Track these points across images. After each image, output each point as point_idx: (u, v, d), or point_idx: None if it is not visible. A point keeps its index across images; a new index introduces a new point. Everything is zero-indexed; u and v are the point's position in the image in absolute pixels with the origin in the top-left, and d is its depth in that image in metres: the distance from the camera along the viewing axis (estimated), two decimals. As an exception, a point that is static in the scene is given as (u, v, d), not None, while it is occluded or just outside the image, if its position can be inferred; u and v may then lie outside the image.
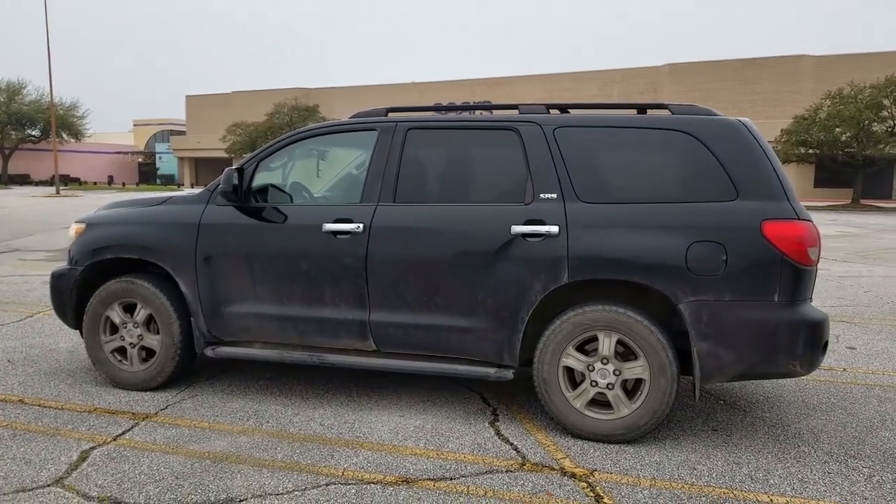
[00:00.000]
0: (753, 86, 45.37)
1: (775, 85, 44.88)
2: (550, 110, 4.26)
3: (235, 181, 4.27)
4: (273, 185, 4.56)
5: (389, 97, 50.71)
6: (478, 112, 4.53)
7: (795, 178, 42.15)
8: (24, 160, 62.73)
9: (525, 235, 3.86)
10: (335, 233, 4.14)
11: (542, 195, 3.92)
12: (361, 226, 4.10)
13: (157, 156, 75.56)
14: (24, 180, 61.57)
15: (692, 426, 4.10)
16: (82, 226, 4.78)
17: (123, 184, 67.05)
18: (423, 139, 4.26)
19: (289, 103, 49.42)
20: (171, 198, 4.72)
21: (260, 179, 4.48)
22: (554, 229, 3.82)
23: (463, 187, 4.23)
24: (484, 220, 3.97)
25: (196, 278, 4.39)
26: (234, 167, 4.31)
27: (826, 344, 3.70)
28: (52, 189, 44.00)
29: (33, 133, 58.96)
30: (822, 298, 8.52)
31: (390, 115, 4.43)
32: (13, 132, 57.50)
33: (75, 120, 58.83)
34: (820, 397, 4.66)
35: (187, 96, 66.93)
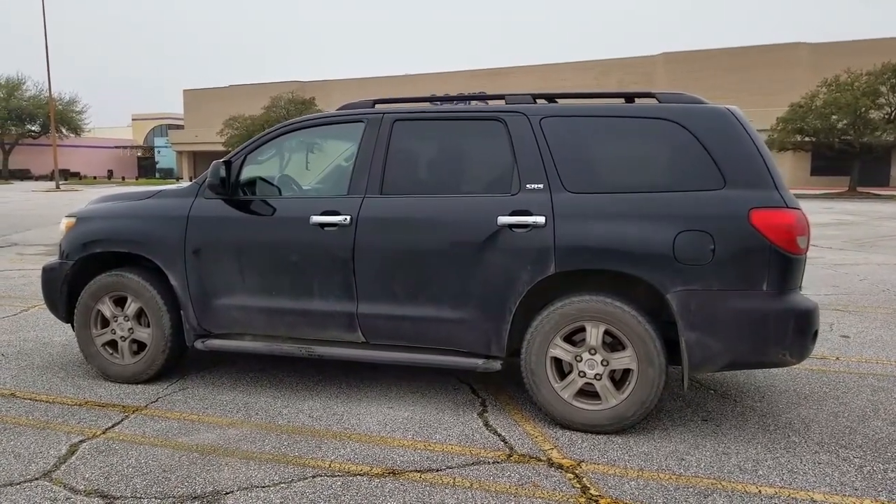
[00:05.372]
0: (749, 74, 45.19)
1: (771, 73, 44.70)
2: (538, 100, 4.24)
3: (223, 174, 4.26)
4: (261, 178, 4.56)
5: (385, 89, 50.45)
6: (473, 102, 4.49)
7: (792, 166, 42.08)
8: (25, 155, 62.68)
9: (511, 226, 3.85)
10: (322, 225, 4.13)
11: (528, 185, 3.90)
12: (348, 218, 4.09)
13: (156, 150, 75.44)
14: (24, 175, 61.57)
15: (682, 416, 4.10)
16: (73, 220, 4.78)
17: (123, 178, 67.07)
18: (410, 130, 4.25)
19: (285, 96, 49.30)
20: (160, 191, 4.71)
21: (248, 172, 4.47)
22: (540, 220, 3.80)
23: (450, 178, 4.22)
24: (470, 212, 3.96)
25: (185, 271, 4.38)
26: (221, 160, 4.29)
27: (816, 333, 3.69)
28: (52, 184, 44.00)
29: (33, 128, 58.99)
30: (817, 287, 8.51)
31: (377, 106, 4.41)
32: (13, 127, 57.53)
33: (74, 115, 58.83)
34: (812, 387, 4.66)
35: (185, 90, 66.78)
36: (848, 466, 3.42)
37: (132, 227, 4.54)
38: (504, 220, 3.86)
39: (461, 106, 4.40)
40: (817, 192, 36.25)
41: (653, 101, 4.04)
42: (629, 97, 4.35)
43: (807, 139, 35.07)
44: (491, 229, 3.87)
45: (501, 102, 4.22)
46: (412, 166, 4.32)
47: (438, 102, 4.46)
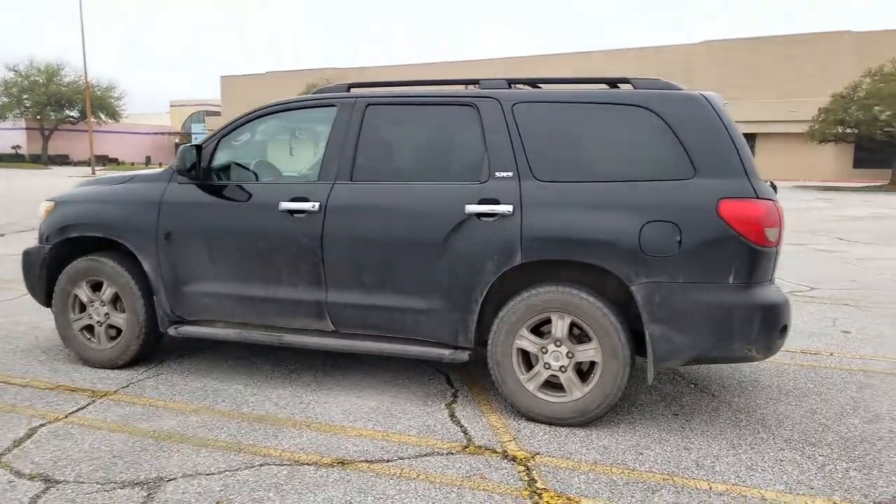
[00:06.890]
0: (793, 63, 43.66)
1: (816, 62, 43.16)
2: (515, 85, 4.13)
3: (193, 159, 4.24)
4: (236, 163, 4.52)
5: (425, 76, 50.23)
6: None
7: (834, 158, 40.92)
8: (64, 141, 64.03)
9: (479, 215, 3.76)
10: (291, 212, 4.09)
11: (497, 173, 3.81)
12: (317, 205, 4.04)
13: (193, 136, 76.51)
14: (63, 160, 62.89)
15: (653, 410, 3.98)
16: (52, 204, 4.81)
17: (160, 164, 68.15)
18: (382, 115, 4.17)
19: (321, 83, 49.55)
20: (135, 176, 4.72)
21: (222, 157, 4.44)
22: (508, 209, 3.71)
23: (421, 165, 4.14)
24: (438, 200, 3.88)
25: (158, 257, 4.39)
26: (190, 144, 4.28)
27: (785, 328, 3.55)
28: (90, 169, 44.93)
29: (72, 114, 60.24)
30: (832, 280, 8.27)
31: (352, 90, 4.35)
32: (52, 113, 58.83)
33: (112, 101, 59.94)
34: (797, 382, 4.50)
35: (222, 77, 67.40)
36: (810, 465, 3.30)
37: (105, 212, 4.55)
38: (472, 208, 3.77)
39: (435, 90, 4.29)
40: (860, 184, 35.25)
41: (628, 87, 3.91)
42: (611, 83, 4.21)
43: (848, 130, 34.04)
44: (459, 218, 3.79)
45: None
46: (384, 152, 4.24)
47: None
